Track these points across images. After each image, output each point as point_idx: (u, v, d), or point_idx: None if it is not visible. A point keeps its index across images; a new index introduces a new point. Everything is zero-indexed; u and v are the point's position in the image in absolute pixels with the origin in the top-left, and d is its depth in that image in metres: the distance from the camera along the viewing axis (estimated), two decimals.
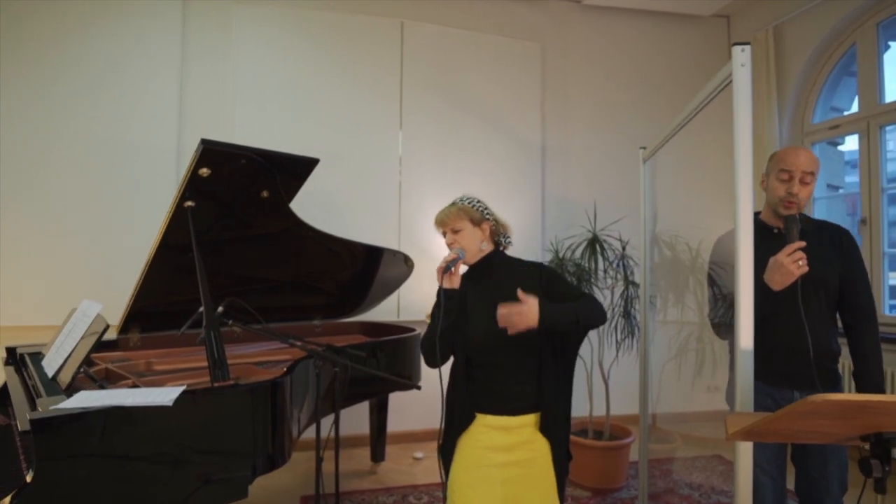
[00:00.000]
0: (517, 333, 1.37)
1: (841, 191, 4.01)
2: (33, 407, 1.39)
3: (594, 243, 2.93)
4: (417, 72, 3.66)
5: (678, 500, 2.72)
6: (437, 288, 1.51)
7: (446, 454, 1.54)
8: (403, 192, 3.62)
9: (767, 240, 1.56)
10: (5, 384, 2.07)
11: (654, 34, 4.19)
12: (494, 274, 1.56)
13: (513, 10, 3.93)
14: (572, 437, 2.85)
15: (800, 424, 0.99)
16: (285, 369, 1.70)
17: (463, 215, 1.55)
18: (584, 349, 3.04)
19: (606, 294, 2.96)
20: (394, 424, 3.29)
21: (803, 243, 1.45)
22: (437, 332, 1.46)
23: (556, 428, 1.51)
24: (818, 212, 3.79)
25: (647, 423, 2.41)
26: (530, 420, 1.50)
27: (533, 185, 3.89)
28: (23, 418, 1.32)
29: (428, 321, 1.59)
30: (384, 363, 2.47)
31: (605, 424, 2.93)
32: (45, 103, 3.05)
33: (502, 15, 3.90)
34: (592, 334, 2.96)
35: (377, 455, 3.12)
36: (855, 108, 3.55)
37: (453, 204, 1.58)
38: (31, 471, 1.14)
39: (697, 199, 4.06)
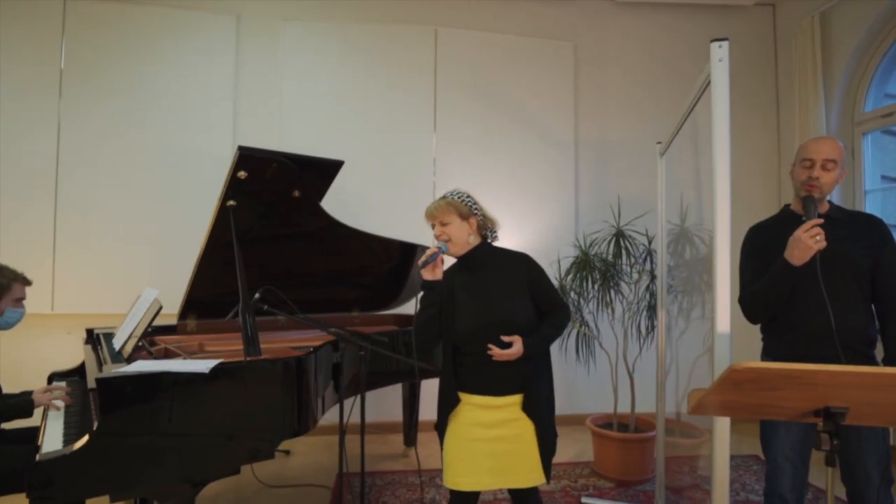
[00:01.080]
0: (501, 326, 1.58)
1: None
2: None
3: (619, 238, 2.96)
4: (451, 75, 3.82)
5: (702, 495, 2.71)
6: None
7: (441, 430, 1.68)
8: (438, 191, 3.78)
9: (795, 226, 1.56)
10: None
11: (691, 28, 4.12)
12: (481, 265, 1.68)
13: (544, 11, 4.00)
14: (596, 429, 2.92)
15: (757, 398, 1.05)
16: (311, 349, 1.90)
17: (451, 209, 1.66)
18: (609, 344, 3.10)
19: (632, 288, 2.99)
20: (428, 414, 3.45)
21: (821, 220, 1.47)
22: (418, 322, 1.60)
23: (539, 408, 1.62)
24: (871, 204, 3.60)
25: (664, 417, 2.43)
26: (515, 400, 1.62)
27: (566, 183, 3.94)
28: (91, 379, 1.59)
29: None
30: (409, 350, 2.63)
31: (630, 418, 2.96)
32: (111, 113, 3.44)
33: (534, 16, 3.98)
34: (618, 330, 3.02)
35: (409, 440, 3.30)
36: None
37: (443, 198, 1.69)
38: (96, 420, 1.39)
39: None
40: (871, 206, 3.60)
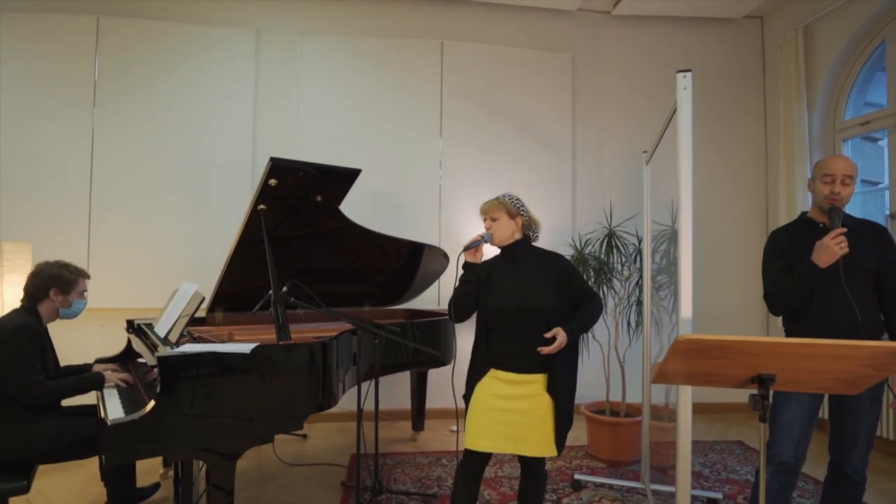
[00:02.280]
0: (525, 310, 1.82)
1: (881, 185, 4.00)
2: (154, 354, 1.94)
3: (610, 238, 3.21)
4: (456, 85, 4.08)
5: (694, 476, 2.95)
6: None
7: (467, 399, 1.94)
8: (443, 193, 4.04)
9: (814, 233, 1.82)
10: (126, 348, 2.70)
11: (683, 39, 4.36)
12: (519, 257, 1.94)
13: (544, 23, 4.25)
14: (590, 415, 3.16)
15: (704, 366, 1.30)
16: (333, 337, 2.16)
17: (502, 208, 1.95)
18: (602, 335, 3.35)
19: (623, 285, 3.23)
20: (435, 402, 3.70)
21: (845, 229, 1.71)
22: (455, 295, 1.86)
23: (561, 389, 1.84)
24: (851, 207, 3.81)
25: (649, 402, 2.68)
26: (537, 378, 1.84)
27: (564, 186, 4.19)
28: (149, 358, 1.86)
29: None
30: (418, 340, 2.88)
31: (621, 405, 3.20)
32: (141, 121, 3.72)
33: (534, 28, 4.23)
34: (610, 323, 3.26)
35: (417, 425, 3.56)
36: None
37: (497, 198, 1.97)
38: (158, 391, 1.66)
39: (715, 196, 4.23)
40: (850, 209, 3.79)
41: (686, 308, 1.56)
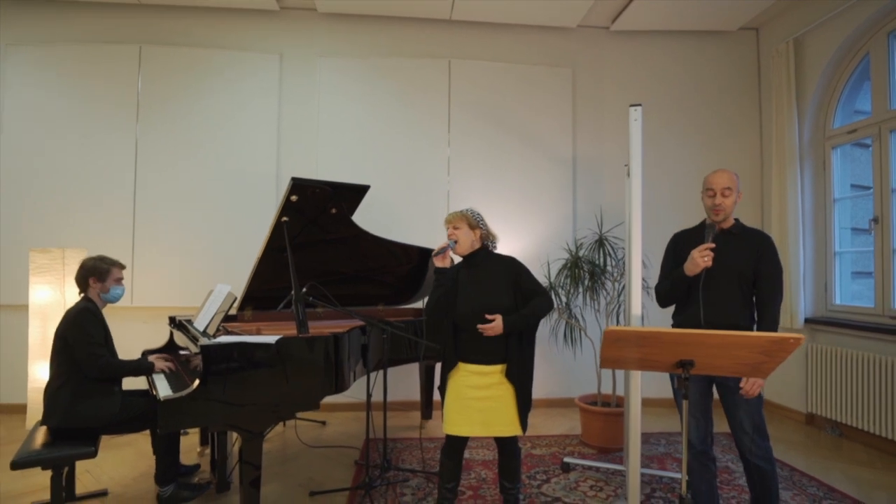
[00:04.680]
0: (489, 309, 2.10)
1: (871, 190, 4.15)
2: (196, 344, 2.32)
3: (601, 244, 3.48)
4: (463, 100, 4.40)
5: (671, 461, 3.20)
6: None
7: (442, 390, 2.25)
8: (451, 199, 4.36)
9: (703, 240, 2.08)
10: (169, 340, 3.11)
11: (681, 52, 4.58)
12: (479, 264, 2.24)
13: (546, 40, 4.52)
14: (583, 406, 3.44)
15: (637, 353, 1.59)
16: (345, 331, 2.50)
17: (463, 219, 2.24)
18: (594, 333, 3.62)
19: (614, 285, 3.50)
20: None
21: (713, 245, 1.99)
22: (431, 300, 2.17)
23: (519, 375, 2.15)
24: (840, 210, 4.00)
25: (638, 391, 2.93)
26: (498, 369, 2.16)
27: (565, 194, 4.46)
28: (192, 348, 2.24)
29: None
30: (423, 335, 3.20)
31: (611, 397, 3.46)
32: (177, 136, 4.16)
33: (536, 45, 4.51)
34: (602, 321, 3.53)
35: (426, 414, 3.89)
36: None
37: (460, 211, 2.27)
38: (200, 374, 2.03)
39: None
40: (840, 213, 4.00)
41: (636, 305, 1.84)
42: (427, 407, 3.89)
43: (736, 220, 2.14)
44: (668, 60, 4.58)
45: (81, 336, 2.36)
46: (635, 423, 1.92)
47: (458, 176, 4.38)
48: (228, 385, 2.06)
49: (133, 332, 3.86)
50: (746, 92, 4.61)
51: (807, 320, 3.95)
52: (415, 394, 4.11)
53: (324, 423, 3.93)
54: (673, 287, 2.10)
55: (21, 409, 3.80)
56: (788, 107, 4.04)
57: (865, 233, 3.76)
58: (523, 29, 4.48)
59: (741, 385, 1.97)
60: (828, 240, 3.99)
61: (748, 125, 4.61)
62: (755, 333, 1.38)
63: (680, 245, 2.18)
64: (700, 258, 1.97)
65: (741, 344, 1.42)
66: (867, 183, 4.16)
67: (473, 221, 2.25)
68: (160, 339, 3.20)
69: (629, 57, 4.58)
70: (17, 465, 2.10)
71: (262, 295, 3.14)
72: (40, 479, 2.85)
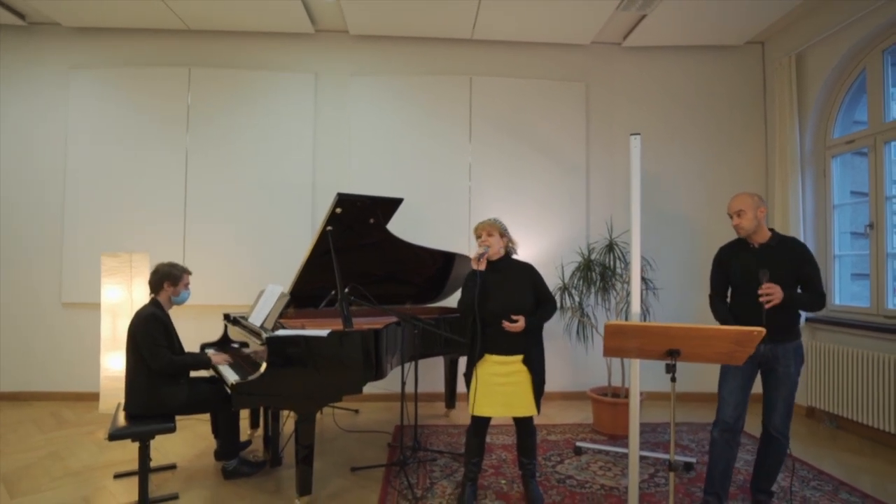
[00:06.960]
0: (512, 309, 2.45)
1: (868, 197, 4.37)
2: (257, 337, 2.71)
3: (611, 248, 3.79)
4: (483, 114, 4.73)
5: (676, 447, 3.50)
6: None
7: (467, 378, 2.59)
8: (472, 206, 4.70)
9: (746, 250, 2.44)
10: (224, 334, 3.51)
11: (691, 65, 4.85)
12: (504, 268, 2.59)
13: (561, 56, 4.83)
14: (594, 396, 3.76)
15: (636, 343, 1.91)
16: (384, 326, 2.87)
17: (496, 228, 2.60)
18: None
19: (623, 286, 3.81)
20: (464, 385, 4.36)
21: (769, 288, 2.23)
22: (465, 300, 2.52)
23: (534, 364, 2.51)
24: (840, 216, 4.24)
25: (637, 380, 3.25)
26: (518, 359, 2.51)
27: (578, 202, 4.77)
28: (253, 341, 2.63)
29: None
30: (448, 331, 3.55)
31: (621, 388, 3.77)
32: (223, 155, 4.58)
33: (551, 61, 4.82)
34: (612, 317, 3.84)
35: (450, 404, 4.25)
36: None
37: (491, 219, 2.62)
38: (266, 361, 2.42)
39: (721, 208, 4.70)
40: (839, 219, 4.24)
41: (635, 304, 2.16)
42: (451, 398, 4.24)
43: (772, 231, 2.44)
44: (677, 74, 4.85)
45: (147, 339, 2.72)
46: (634, 402, 2.23)
47: (479, 184, 4.72)
48: (289, 370, 2.45)
49: (184, 326, 4.29)
50: (752, 104, 4.86)
51: (807, 320, 4.20)
52: (439, 386, 4.46)
53: (357, 411, 4.31)
54: (717, 316, 2.47)
55: (91, 397, 4.27)
56: (791, 118, 4.29)
57: (864, 237, 4.00)
58: (539, 46, 4.80)
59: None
60: (828, 243, 4.23)
61: (754, 135, 4.86)
62: (727, 328, 1.70)
63: (724, 258, 2.51)
64: (766, 303, 2.23)
65: (718, 336, 1.74)
66: (866, 189, 4.40)
67: (503, 230, 2.61)
68: (207, 333, 3.61)
69: (640, 71, 4.86)
70: (113, 437, 2.51)
71: (301, 294, 3.52)
72: (116, 454, 3.28)
